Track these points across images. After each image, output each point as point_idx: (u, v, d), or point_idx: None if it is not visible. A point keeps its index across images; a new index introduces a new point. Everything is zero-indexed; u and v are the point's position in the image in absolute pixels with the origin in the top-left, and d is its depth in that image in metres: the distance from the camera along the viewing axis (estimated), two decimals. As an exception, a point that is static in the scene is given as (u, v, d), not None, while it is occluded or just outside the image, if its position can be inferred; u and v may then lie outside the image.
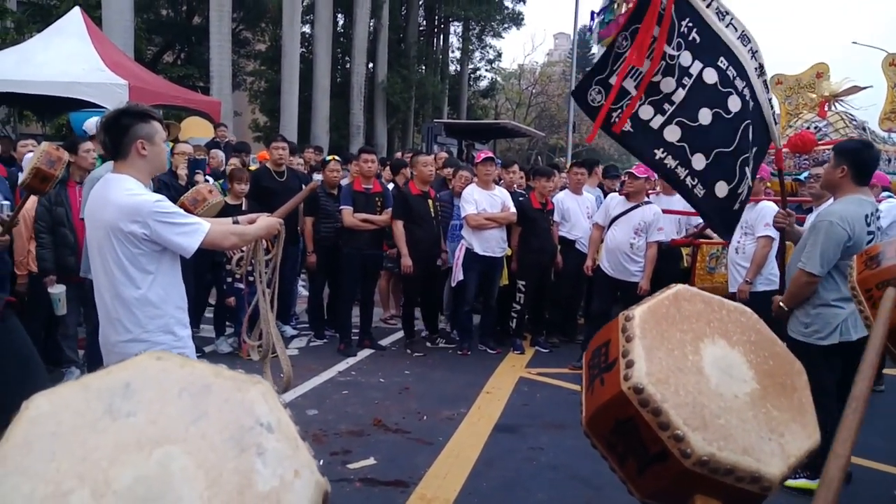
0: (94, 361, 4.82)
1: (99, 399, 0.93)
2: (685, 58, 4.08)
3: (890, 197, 6.40)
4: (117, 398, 0.94)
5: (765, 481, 1.27)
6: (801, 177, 6.61)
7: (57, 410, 0.92)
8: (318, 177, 8.22)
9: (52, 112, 13.28)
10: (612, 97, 4.06)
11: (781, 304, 4.22)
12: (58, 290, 5.30)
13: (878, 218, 4.04)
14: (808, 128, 6.89)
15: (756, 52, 4.30)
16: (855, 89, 6.96)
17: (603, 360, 1.45)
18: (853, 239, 3.85)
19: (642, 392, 1.29)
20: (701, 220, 7.47)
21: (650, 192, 7.44)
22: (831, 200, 4.26)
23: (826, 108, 6.97)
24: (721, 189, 4.30)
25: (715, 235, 7.36)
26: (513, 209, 7.06)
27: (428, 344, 7.37)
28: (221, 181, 8.01)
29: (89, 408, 0.92)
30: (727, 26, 4.16)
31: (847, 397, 4.56)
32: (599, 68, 4.16)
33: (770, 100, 4.49)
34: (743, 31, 4.24)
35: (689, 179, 4.23)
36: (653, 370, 1.32)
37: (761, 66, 4.35)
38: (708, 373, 1.37)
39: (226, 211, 5.54)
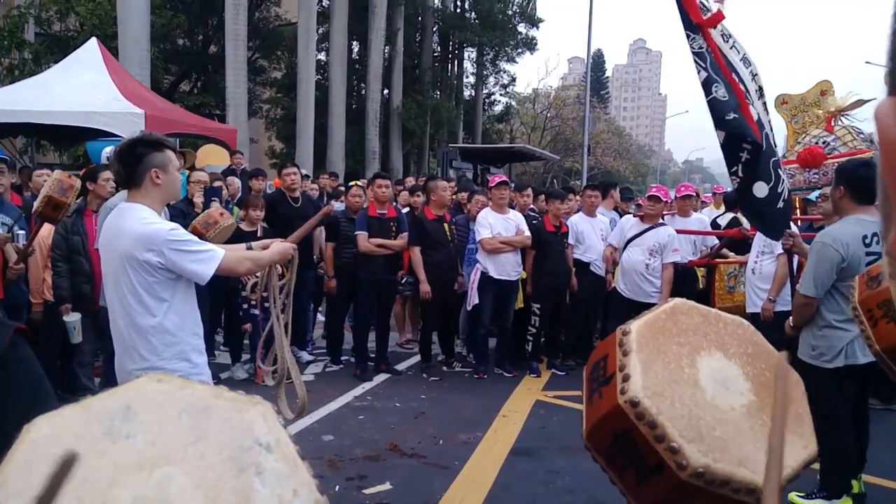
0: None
1: (99, 421, 0.94)
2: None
3: None
4: (117, 420, 0.95)
5: (761, 492, 1.26)
6: (812, 196, 6.58)
7: (58, 433, 0.92)
8: (336, 203, 8.28)
9: (69, 142, 13.44)
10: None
11: (791, 324, 4.19)
12: (73, 318, 5.33)
13: None
14: (817, 143, 6.86)
15: (756, 75, 4.37)
16: (860, 103, 6.93)
17: (601, 374, 1.46)
18: (847, 260, 3.79)
19: (638, 405, 1.29)
20: (716, 241, 7.45)
21: (665, 213, 7.42)
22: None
23: (833, 123, 6.93)
24: (760, 189, 4.36)
25: (731, 254, 7.32)
26: (527, 232, 7.05)
27: (444, 368, 7.35)
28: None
29: (89, 430, 0.93)
30: (731, 48, 4.21)
31: (861, 418, 4.45)
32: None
33: (769, 121, 4.54)
34: (744, 55, 4.30)
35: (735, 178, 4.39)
36: (649, 383, 1.32)
37: (761, 89, 4.42)
38: (704, 385, 1.37)
39: (241, 237, 5.59)
